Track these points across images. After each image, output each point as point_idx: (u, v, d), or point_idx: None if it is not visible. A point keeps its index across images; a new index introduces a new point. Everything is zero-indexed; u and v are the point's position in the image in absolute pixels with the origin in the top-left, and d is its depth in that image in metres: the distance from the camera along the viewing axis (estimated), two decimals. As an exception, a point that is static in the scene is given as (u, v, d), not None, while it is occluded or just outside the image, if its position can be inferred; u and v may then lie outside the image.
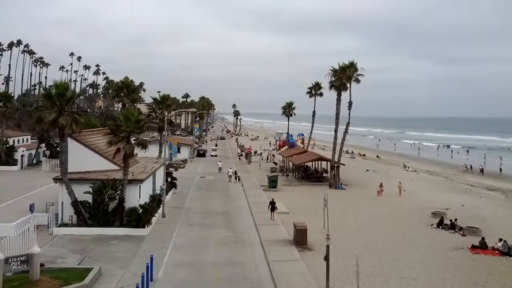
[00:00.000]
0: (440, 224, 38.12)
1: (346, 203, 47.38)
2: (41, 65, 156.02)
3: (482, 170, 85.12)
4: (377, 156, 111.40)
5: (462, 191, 59.32)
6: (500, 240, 31.72)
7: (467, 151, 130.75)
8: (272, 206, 40.52)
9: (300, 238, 31.86)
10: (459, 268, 27.83)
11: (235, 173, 64.90)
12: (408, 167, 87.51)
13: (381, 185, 52.62)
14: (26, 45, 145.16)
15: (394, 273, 26.60)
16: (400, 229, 37.18)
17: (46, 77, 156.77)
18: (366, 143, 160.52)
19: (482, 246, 31.84)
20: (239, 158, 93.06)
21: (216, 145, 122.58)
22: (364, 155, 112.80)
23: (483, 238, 32.71)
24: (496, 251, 31.12)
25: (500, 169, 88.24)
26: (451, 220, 38.24)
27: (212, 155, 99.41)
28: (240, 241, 32.98)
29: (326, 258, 23.88)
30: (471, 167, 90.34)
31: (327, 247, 24.11)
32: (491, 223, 39.85)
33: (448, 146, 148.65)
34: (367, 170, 77.98)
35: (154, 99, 66.25)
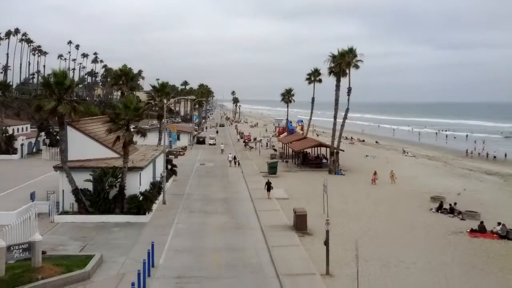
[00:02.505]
0: (439, 208, 38.32)
1: (346, 188, 47.56)
2: (39, 54, 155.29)
3: (487, 155, 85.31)
4: (376, 142, 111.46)
5: (461, 176, 59.48)
6: (499, 224, 31.93)
7: (466, 136, 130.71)
8: (268, 187, 43.28)
9: (300, 224, 32.07)
10: (458, 252, 28.05)
11: (234, 158, 66.79)
12: (407, 153, 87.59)
13: (375, 173, 51.79)
14: (24, 34, 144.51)
15: (393, 257, 26.81)
16: (400, 214, 37.39)
17: (44, 66, 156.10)
18: (364, 128, 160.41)
19: (481, 230, 32.06)
20: (245, 146, 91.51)
21: (217, 132, 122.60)
22: (363, 141, 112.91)
23: (482, 222, 32.91)
24: (494, 235, 31.34)
25: (497, 155, 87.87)
26: (450, 205, 38.44)
27: (210, 144, 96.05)
28: (240, 227, 33.20)
29: (326, 243, 24.12)
30: (471, 152, 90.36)
31: (327, 232, 24.33)
32: (489, 207, 40.04)
33: (447, 131, 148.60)
34: (366, 155, 78.13)
35: (153, 86, 66.10)
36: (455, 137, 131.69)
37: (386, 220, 35.44)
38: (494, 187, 51.47)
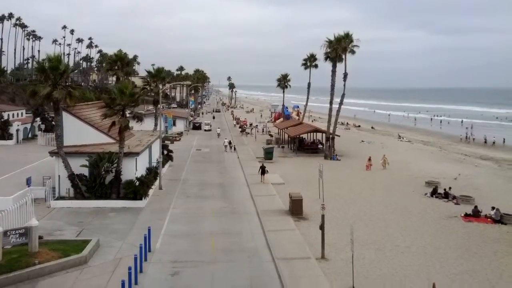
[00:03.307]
0: (434, 193, 38.56)
1: (341, 173, 47.75)
2: (34, 39, 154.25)
3: (485, 140, 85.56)
4: (372, 127, 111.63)
5: (456, 161, 59.78)
6: (493, 208, 32.17)
7: (462, 121, 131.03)
8: (263, 170, 43.92)
9: (295, 208, 32.26)
10: (452, 236, 28.31)
11: (230, 143, 67.44)
12: (403, 138, 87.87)
13: (369, 159, 51.60)
14: (18, 18, 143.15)
15: (388, 241, 27.06)
16: (394, 198, 37.63)
17: (39, 51, 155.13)
18: (361, 114, 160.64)
19: (475, 214, 32.33)
20: (242, 132, 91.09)
21: (213, 118, 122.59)
22: (359, 126, 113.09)
23: (476, 207, 33.18)
24: (488, 219, 31.61)
25: (486, 141, 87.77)
26: (444, 189, 38.69)
27: (205, 130, 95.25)
28: (236, 212, 33.38)
29: (321, 227, 24.30)
30: (468, 137, 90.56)
31: (322, 216, 24.50)
32: (484, 192, 40.34)
33: (441, 117, 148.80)
34: (362, 141, 78.31)
35: (149, 72, 65.98)
36: (448, 123, 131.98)
37: (381, 204, 35.67)
38: (488, 172, 51.78)
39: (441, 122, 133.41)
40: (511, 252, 25.59)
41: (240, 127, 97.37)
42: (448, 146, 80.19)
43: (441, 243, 26.85)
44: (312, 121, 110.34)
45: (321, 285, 20.85)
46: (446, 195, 37.61)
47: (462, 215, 32.59)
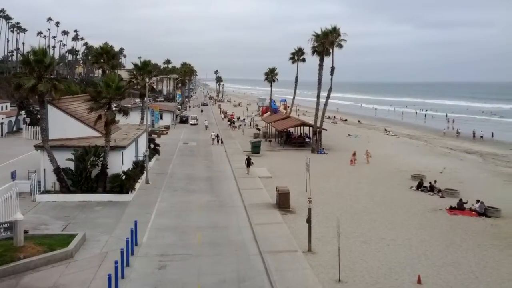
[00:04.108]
0: (420, 186, 38.91)
1: (328, 167, 47.95)
2: (18, 31, 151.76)
3: (473, 134, 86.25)
4: (359, 121, 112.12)
5: (441, 155, 60.34)
6: (477, 201, 32.57)
7: (446, 115, 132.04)
8: (248, 162, 45.08)
9: (282, 202, 32.35)
10: (437, 229, 28.63)
11: (217, 136, 67.83)
12: (389, 132, 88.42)
13: (354, 154, 51.15)
14: (2, 10, 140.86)
15: (374, 234, 27.28)
16: (380, 192, 37.91)
17: (23, 43, 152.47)
18: (348, 108, 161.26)
19: (459, 207, 32.70)
20: (230, 125, 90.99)
21: (201, 111, 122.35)
22: (346, 120, 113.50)
23: (460, 200, 33.55)
24: (473, 212, 31.99)
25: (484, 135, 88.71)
26: (430, 183, 39.06)
27: (191, 124, 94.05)
28: (223, 206, 33.39)
29: (308, 221, 24.41)
30: (457, 131, 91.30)
31: (309, 209, 24.61)
32: (469, 185, 40.80)
33: (426, 111, 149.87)
34: (349, 135, 78.69)
35: (135, 65, 65.45)
36: (432, 117, 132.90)
37: (367, 197, 35.93)
38: (473, 166, 52.35)
39: (425, 116, 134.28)
40: (495, 245, 25.96)
41: (228, 121, 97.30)
42: (434, 140, 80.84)
43: (426, 236, 27.14)
44: (298, 115, 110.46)
45: (307, 278, 20.97)
46: (432, 189, 37.97)
47: (447, 208, 32.94)
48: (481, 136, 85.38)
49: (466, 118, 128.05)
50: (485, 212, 31.73)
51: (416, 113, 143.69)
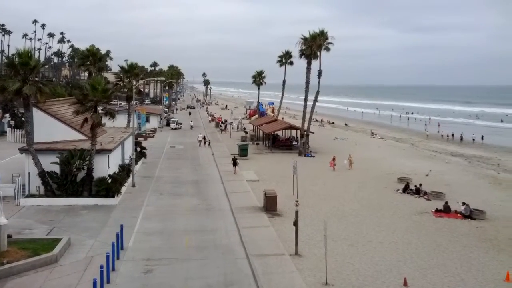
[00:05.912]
0: (406, 189, 39.15)
1: (315, 170, 48.03)
2: (3, 33, 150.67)
3: (461, 138, 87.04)
4: (346, 124, 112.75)
5: (427, 157, 60.82)
6: (463, 204, 32.87)
7: (429, 118, 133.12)
8: (234, 162, 46.38)
9: (270, 205, 32.32)
10: (423, 231, 28.82)
11: (204, 138, 68.27)
12: (376, 135, 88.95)
13: (334, 159, 49.70)
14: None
15: (360, 236, 27.38)
16: (367, 195, 38.08)
17: (8, 46, 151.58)
18: (335, 111, 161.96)
19: (445, 210, 32.97)
20: (220, 127, 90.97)
21: (190, 114, 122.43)
22: (333, 123, 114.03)
23: (446, 202, 33.84)
24: (458, 215, 32.28)
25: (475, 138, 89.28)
26: (416, 186, 39.33)
27: (172, 128, 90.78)
28: (210, 209, 33.26)
29: (295, 224, 24.42)
30: (448, 135, 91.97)
31: (296, 213, 24.61)
32: (454, 187, 41.17)
33: (412, 114, 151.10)
34: (336, 138, 78.97)
35: (122, 67, 65.18)
36: (415, 119, 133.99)
37: (354, 200, 36.06)
38: (458, 168, 52.84)
39: (408, 119, 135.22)
40: (480, 247, 26.24)
41: (216, 124, 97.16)
42: (420, 142, 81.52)
43: (412, 238, 27.31)
44: (283, 118, 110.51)
45: (294, 281, 20.95)
46: (418, 191, 38.23)
47: (433, 210, 33.20)
48: (473, 140, 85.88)
49: (452, 121, 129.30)
50: (470, 214, 32.03)
51: (400, 116, 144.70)
